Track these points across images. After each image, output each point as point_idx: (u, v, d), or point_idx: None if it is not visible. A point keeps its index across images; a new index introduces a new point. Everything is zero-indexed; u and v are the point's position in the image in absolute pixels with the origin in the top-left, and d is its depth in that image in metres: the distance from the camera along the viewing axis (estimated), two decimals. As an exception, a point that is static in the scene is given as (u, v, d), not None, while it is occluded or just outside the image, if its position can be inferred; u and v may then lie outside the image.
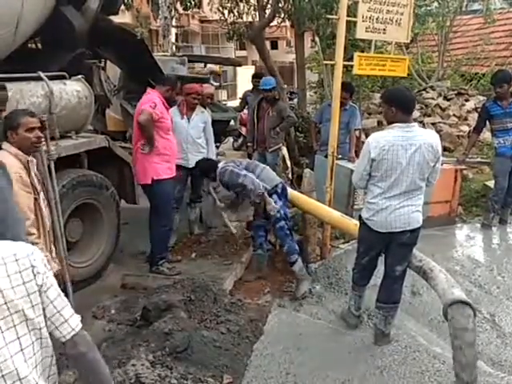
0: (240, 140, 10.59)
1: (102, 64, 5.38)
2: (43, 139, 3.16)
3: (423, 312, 4.00)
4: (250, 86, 7.96)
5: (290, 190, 4.95)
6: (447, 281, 3.02)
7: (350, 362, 3.42)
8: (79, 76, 4.20)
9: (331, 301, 4.32)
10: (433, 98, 10.37)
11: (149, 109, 4.22)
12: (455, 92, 10.79)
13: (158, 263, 4.53)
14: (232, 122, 7.70)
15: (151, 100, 4.32)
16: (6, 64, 3.92)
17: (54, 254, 3.10)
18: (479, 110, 6.83)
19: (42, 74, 3.65)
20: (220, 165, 4.62)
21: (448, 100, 10.47)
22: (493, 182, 6.14)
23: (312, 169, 5.86)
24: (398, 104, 3.21)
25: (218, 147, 6.56)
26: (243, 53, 27.85)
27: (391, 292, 3.46)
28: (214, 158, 5.42)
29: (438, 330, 3.74)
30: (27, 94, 3.57)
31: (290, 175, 7.30)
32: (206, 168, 4.76)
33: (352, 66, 5.13)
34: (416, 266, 3.33)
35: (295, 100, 10.84)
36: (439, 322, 3.83)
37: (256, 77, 7.51)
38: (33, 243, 2.55)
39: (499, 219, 5.94)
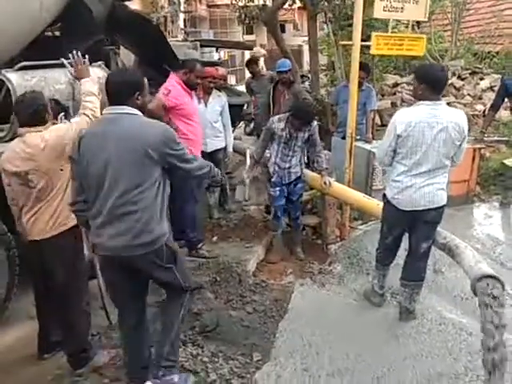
0: (252, 125, 10.58)
1: (118, 50, 5.40)
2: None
3: (447, 289, 4.03)
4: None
5: (308, 172, 4.97)
6: (474, 257, 3.03)
7: (371, 334, 3.50)
8: (99, 62, 4.21)
9: (353, 280, 4.37)
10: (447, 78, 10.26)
11: (159, 95, 4.21)
12: (469, 71, 10.67)
13: (198, 246, 4.57)
14: (245, 107, 7.71)
15: (166, 86, 4.31)
16: (27, 52, 3.95)
17: None
18: (496, 87, 6.76)
19: (64, 61, 3.66)
20: None
21: (462, 79, 10.36)
22: (511, 160, 6.12)
23: (329, 150, 5.87)
24: (428, 82, 3.18)
25: (233, 131, 6.58)
26: (251, 37, 27.61)
27: (416, 269, 3.49)
28: (231, 142, 5.45)
29: (462, 307, 3.77)
30: (51, 81, 3.60)
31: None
32: None
33: (368, 47, 5.10)
34: (441, 244, 3.35)
35: (306, 83, 10.73)
36: (463, 298, 3.88)
37: (251, 63, 7.53)
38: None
39: (518, 197, 5.93)
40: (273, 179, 4.73)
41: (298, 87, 6.46)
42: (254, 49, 11.69)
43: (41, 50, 4.09)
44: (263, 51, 11.05)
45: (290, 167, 4.69)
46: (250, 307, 3.76)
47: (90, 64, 4.18)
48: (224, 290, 3.90)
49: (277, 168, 4.70)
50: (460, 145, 3.23)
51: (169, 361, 2.64)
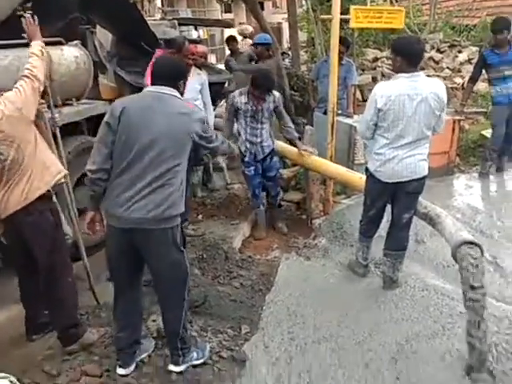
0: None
1: (94, 29, 5.28)
2: (46, 106, 3.17)
3: (429, 258, 4.14)
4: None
5: (292, 148, 4.99)
6: (454, 225, 3.11)
7: (355, 302, 3.60)
8: (76, 41, 4.14)
9: (337, 253, 4.44)
10: (426, 51, 10.30)
11: (148, 81, 4.14)
12: (448, 44, 10.73)
13: (183, 224, 4.54)
14: (226, 84, 7.64)
15: None
16: (1, 31, 3.85)
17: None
18: (475, 59, 6.82)
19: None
20: None
21: (441, 52, 10.41)
22: (489, 131, 6.22)
23: (311, 126, 5.88)
24: (405, 54, 3.21)
25: (214, 110, 6.55)
26: (230, 15, 27.22)
27: (399, 239, 3.57)
28: (212, 120, 5.42)
29: (444, 274, 3.88)
30: (26, 60, 3.48)
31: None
32: None
33: (347, 21, 5.10)
34: (422, 213, 3.42)
35: (286, 60, 10.68)
36: (444, 266, 3.98)
37: (231, 40, 7.56)
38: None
39: (496, 167, 6.05)
40: (246, 158, 4.72)
41: (275, 61, 6.43)
42: (242, 26, 11.56)
43: (14, 29, 3.99)
44: (251, 28, 10.91)
45: (261, 141, 4.67)
46: (237, 282, 3.82)
47: (67, 43, 4.12)
48: (211, 267, 3.94)
49: (248, 145, 4.68)
50: (440, 114, 3.27)
51: (184, 349, 2.74)
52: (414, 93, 3.18)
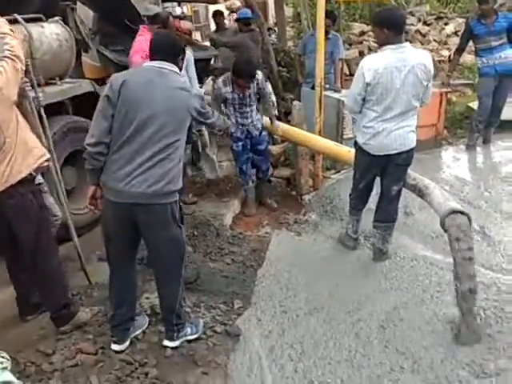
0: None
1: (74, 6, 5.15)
2: (29, 85, 3.10)
3: (418, 230, 4.17)
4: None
5: (280, 124, 4.98)
6: (442, 195, 3.14)
7: (345, 273, 3.67)
8: (56, 18, 4.03)
9: (327, 227, 4.47)
10: (412, 24, 10.24)
11: (139, 61, 4.05)
12: (434, 16, 10.66)
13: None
14: (212, 61, 7.54)
15: (143, 48, 4.13)
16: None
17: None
18: (462, 30, 6.78)
19: (18, 17, 3.49)
20: None
21: (428, 25, 10.35)
22: (475, 103, 6.23)
23: (299, 101, 5.85)
24: (389, 25, 3.17)
25: (201, 87, 6.48)
26: (213, -9, 26.66)
27: (388, 211, 3.60)
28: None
29: (433, 245, 3.92)
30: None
31: (276, 111, 7.26)
32: None
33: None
34: (411, 185, 3.44)
35: (273, 36, 10.55)
36: (433, 237, 4.02)
37: (217, 15, 7.52)
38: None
39: (483, 139, 6.08)
40: (234, 134, 4.71)
41: (251, 35, 6.49)
42: (230, 1, 11.38)
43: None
44: (238, 3, 10.73)
45: (252, 121, 4.70)
46: (228, 258, 3.84)
47: (47, 20, 4.02)
48: (202, 244, 3.96)
49: (240, 126, 4.70)
50: (427, 85, 3.26)
51: (179, 324, 2.77)
52: (401, 64, 3.16)
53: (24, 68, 2.76)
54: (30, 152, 2.72)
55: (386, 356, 2.77)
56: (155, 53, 2.60)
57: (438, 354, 2.74)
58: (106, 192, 2.55)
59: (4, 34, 2.71)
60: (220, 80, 4.61)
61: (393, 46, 3.18)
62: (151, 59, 2.62)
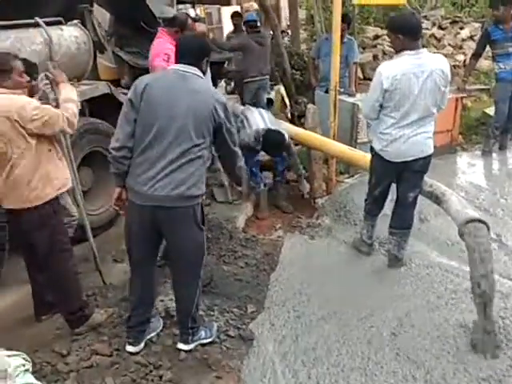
0: (233, 83, 10.42)
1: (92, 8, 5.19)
2: (49, 87, 3.13)
3: (433, 236, 4.14)
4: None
5: (293, 127, 4.97)
6: (460, 203, 3.11)
7: (359, 278, 3.65)
8: (75, 21, 4.07)
9: (341, 232, 4.45)
10: (427, 29, 10.17)
11: (162, 64, 4.05)
12: (449, 21, 10.57)
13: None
14: (226, 64, 7.57)
15: (163, 51, 4.14)
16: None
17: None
18: (477, 36, 6.73)
19: (39, 20, 3.53)
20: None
21: (443, 29, 10.27)
22: (491, 109, 6.17)
23: (313, 104, 5.84)
24: (405, 31, 3.16)
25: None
26: (227, -7, 26.71)
27: (404, 218, 3.57)
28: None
29: (448, 252, 3.89)
30: (27, 41, 3.48)
31: (289, 114, 7.26)
32: None
33: (349, -3, 5.01)
34: (428, 192, 3.42)
35: (286, 39, 10.54)
36: (448, 245, 3.99)
37: (235, 16, 7.70)
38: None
39: (499, 145, 6.03)
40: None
41: (245, 36, 6.70)
42: (247, 4, 11.47)
43: (14, 9, 3.93)
44: (256, 5, 10.81)
45: None
46: (241, 262, 3.84)
47: (66, 23, 4.05)
48: (216, 247, 3.96)
49: None
50: (444, 90, 3.24)
51: (194, 328, 2.78)
52: (419, 70, 3.15)
53: (65, 130, 2.82)
54: (51, 182, 2.79)
55: (398, 364, 2.75)
56: (181, 56, 2.61)
57: (449, 363, 2.71)
58: (131, 195, 2.59)
59: (71, 100, 2.87)
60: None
61: (410, 52, 3.17)
62: (176, 62, 2.63)
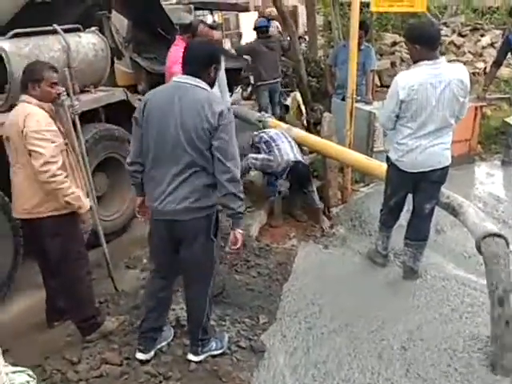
0: (249, 89, 10.43)
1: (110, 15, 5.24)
2: (65, 93, 3.15)
3: (449, 248, 4.06)
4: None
5: (309, 136, 4.94)
6: (477, 215, 3.04)
7: (372, 289, 3.59)
8: (93, 28, 4.11)
9: (356, 242, 4.39)
10: (447, 36, 10.06)
11: (178, 70, 4.06)
12: (470, 28, 10.44)
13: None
14: (242, 71, 7.57)
15: (180, 58, 4.16)
16: (18, 19, 3.84)
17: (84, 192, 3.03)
18: (498, 43, 6.62)
19: (57, 27, 3.57)
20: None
21: (463, 36, 10.15)
22: (512, 117, 6.05)
23: (329, 112, 5.79)
24: (423, 41, 3.12)
25: (231, 96, 6.51)
26: (245, -2, 26.84)
27: (420, 229, 3.51)
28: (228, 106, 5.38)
29: (464, 265, 3.81)
30: (45, 48, 3.52)
31: (305, 121, 7.23)
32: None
33: (366, 4, 4.97)
34: (445, 203, 3.35)
35: (303, 45, 10.51)
36: (465, 257, 3.91)
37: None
38: (63, 182, 2.63)
39: (519, 155, 5.90)
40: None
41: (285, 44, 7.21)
42: (269, 9, 11.57)
43: (32, 16, 3.98)
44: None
45: None
46: (254, 271, 3.80)
47: (84, 30, 4.09)
48: (229, 255, 3.92)
49: None
50: (463, 101, 3.18)
51: (204, 339, 2.77)
52: (436, 80, 3.10)
53: (38, 174, 2.66)
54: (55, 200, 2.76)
55: (409, 380, 2.70)
56: (186, 64, 2.54)
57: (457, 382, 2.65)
58: (149, 209, 2.65)
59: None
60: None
61: (428, 62, 3.12)
62: (183, 70, 2.58)
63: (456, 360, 2.80)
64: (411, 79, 3.13)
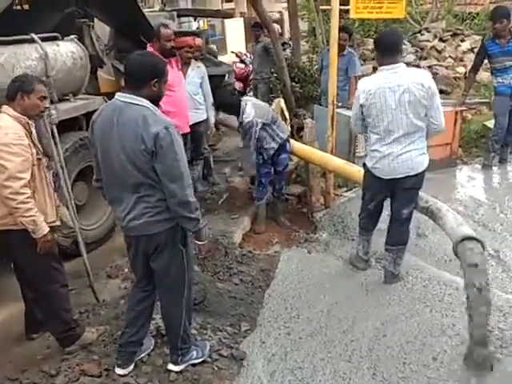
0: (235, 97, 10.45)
1: (92, 23, 5.22)
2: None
3: (430, 252, 4.10)
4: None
5: (292, 141, 4.95)
6: (455, 219, 3.06)
7: (350, 291, 3.62)
8: (72, 36, 4.09)
9: (338, 247, 4.41)
10: (428, 41, 10.18)
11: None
12: (450, 33, 10.58)
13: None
14: (226, 77, 7.58)
15: None
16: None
17: (50, 215, 2.88)
18: (477, 48, 6.71)
19: (34, 36, 3.54)
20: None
21: (443, 41, 10.28)
22: (492, 122, 6.12)
23: (312, 118, 5.83)
24: (381, 48, 3.28)
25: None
26: (231, 5, 26.91)
27: (399, 234, 3.53)
28: (212, 114, 5.38)
29: (445, 268, 3.83)
30: (22, 57, 3.49)
31: (288, 127, 7.24)
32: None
33: (347, 11, 5.00)
34: (423, 208, 3.37)
35: (287, 50, 10.57)
36: (446, 261, 3.94)
37: (255, 26, 8.01)
38: (23, 202, 2.54)
39: (499, 159, 5.97)
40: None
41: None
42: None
43: (9, 24, 3.95)
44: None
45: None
46: (236, 278, 3.80)
47: (63, 38, 4.07)
48: (211, 263, 3.91)
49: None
50: (431, 104, 3.17)
51: (183, 349, 2.75)
52: (394, 84, 3.17)
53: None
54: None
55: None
56: (126, 80, 2.39)
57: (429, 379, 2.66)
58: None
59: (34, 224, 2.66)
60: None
61: (387, 67, 3.23)
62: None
63: (425, 356, 2.82)
64: (369, 84, 3.26)
